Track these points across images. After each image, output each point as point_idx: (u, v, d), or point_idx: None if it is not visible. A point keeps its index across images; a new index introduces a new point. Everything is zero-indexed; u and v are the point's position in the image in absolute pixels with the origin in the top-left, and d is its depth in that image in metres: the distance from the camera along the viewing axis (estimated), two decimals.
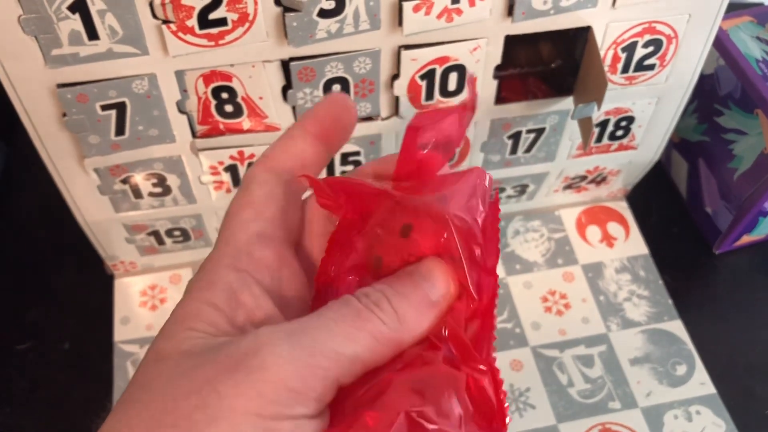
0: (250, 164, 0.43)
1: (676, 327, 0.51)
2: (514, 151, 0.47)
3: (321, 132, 0.25)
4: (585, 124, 0.42)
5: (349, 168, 0.45)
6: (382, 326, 0.20)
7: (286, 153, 0.25)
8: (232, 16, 0.35)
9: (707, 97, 0.51)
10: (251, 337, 0.20)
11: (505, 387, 0.49)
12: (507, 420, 0.22)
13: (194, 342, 0.21)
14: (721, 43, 0.48)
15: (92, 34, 0.34)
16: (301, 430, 0.19)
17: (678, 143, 0.56)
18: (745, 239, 0.53)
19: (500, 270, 0.53)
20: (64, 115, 0.37)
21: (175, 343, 0.21)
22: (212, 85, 0.38)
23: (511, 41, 0.40)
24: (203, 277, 0.23)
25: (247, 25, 0.35)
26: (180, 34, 0.35)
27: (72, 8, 0.33)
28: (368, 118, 0.42)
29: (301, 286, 0.24)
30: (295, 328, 0.20)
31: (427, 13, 0.36)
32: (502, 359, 0.49)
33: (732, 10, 0.45)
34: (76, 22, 0.33)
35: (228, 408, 0.18)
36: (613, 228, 0.56)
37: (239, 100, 0.39)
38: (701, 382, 0.48)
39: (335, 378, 0.20)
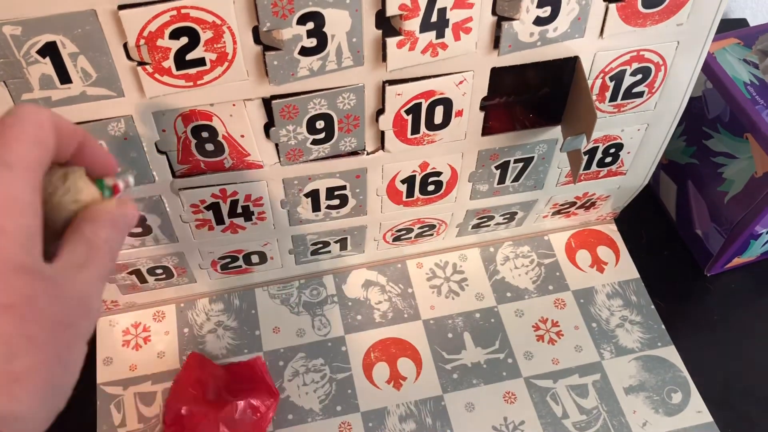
0: (233, 202, 0.42)
1: (670, 353, 0.50)
2: (502, 180, 0.46)
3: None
4: (574, 156, 0.42)
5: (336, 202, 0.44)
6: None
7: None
8: (210, 56, 0.34)
9: (695, 120, 0.50)
10: None
11: (499, 420, 0.48)
12: None
13: None
14: (709, 67, 0.48)
15: (64, 78, 0.33)
16: None
17: (666, 165, 0.55)
18: (736, 261, 0.53)
19: (491, 298, 0.52)
20: None
21: None
22: (192, 125, 0.37)
23: (497, 70, 0.39)
24: None
25: (226, 64, 0.34)
26: (156, 75, 0.34)
27: (42, 52, 0.32)
28: (354, 153, 0.41)
29: None
30: None
31: (412, 49, 0.35)
32: (495, 391, 0.48)
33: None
34: (46, 66, 0.32)
35: None
36: (603, 252, 0.55)
37: (220, 138, 0.38)
38: (697, 410, 0.47)
39: None
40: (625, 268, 0.54)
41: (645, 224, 0.57)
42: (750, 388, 0.49)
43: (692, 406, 0.48)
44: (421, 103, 0.39)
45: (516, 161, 0.45)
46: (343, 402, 0.47)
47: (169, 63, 0.33)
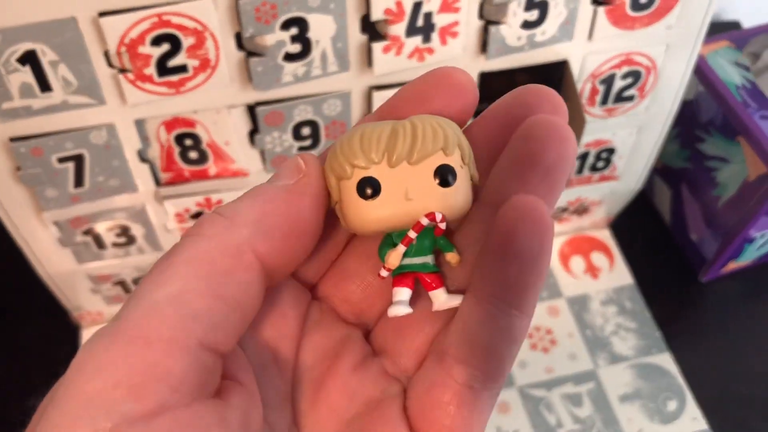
0: None
1: (665, 360, 0.49)
2: None
3: None
4: None
5: None
6: None
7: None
8: (192, 63, 0.33)
9: (688, 123, 0.50)
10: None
11: (492, 430, 0.47)
12: None
13: None
14: (700, 70, 0.47)
15: (45, 86, 0.32)
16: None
17: (660, 169, 0.55)
18: (732, 266, 0.52)
19: None
20: (19, 168, 0.35)
21: None
22: (175, 132, 0.37)
23: (485, 75, 0.38)
24: None
25: (209, 71, 0.34)
26: (138, 82, 0.33)
27: (22, 60, 0.31)
28: None
29: None
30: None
31: (398, 54, 0.35)
32: None
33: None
34: (26, 75, 0.32)
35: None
36: (597, 258, 0.54)
37: (204, 146, 0.38)
38: (693, 417, 0.47)
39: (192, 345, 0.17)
40: (620, 275, 0.54)
41: (639, 230, 0.56)
42: (746, 395, 0.48)
43: (688, 414, 0.47)
44: None
45: None
46: None
47: (151, 70, 0.33)
